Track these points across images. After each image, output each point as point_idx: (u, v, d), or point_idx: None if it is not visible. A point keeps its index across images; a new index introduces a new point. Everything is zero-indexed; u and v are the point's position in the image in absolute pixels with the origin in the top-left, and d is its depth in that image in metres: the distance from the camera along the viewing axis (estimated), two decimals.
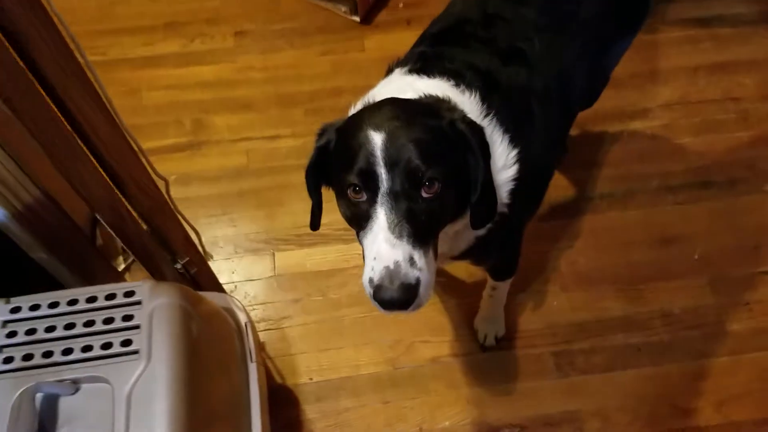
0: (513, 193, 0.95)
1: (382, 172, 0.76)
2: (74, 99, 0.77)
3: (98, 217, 1.03)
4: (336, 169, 0.82)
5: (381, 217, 0.75)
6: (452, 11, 1.09)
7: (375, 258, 0.74)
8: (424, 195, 0.77)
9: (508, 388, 1.38)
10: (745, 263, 1.55)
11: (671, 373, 1.40)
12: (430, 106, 0.85)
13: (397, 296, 0.72)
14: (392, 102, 0.85)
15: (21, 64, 0.71)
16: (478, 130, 0.83)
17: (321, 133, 0.86)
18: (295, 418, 1.35)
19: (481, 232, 0.97)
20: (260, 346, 1.31)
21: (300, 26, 2.08)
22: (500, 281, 1.28)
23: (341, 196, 0.82)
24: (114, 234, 1.02)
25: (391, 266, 0.72)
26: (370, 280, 0.74)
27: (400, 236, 0.74)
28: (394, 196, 0.76)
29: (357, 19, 2.06)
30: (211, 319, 1.03)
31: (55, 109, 0.79)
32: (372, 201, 0.77)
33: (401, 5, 2.10)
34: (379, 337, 1.46)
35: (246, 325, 1.17)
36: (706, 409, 1.36)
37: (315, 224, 0.95)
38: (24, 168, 0.99)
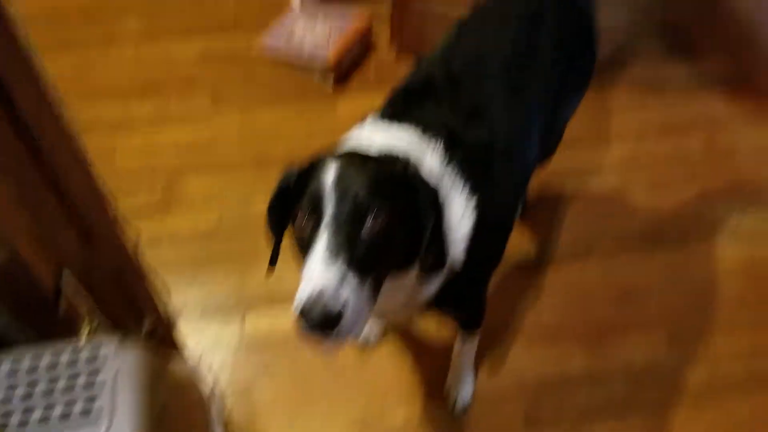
0: (470, 244, 0.93)
1: (330, 200, 0.75)
2: (53, 149, 0.71)
3: (64, 276, 0.95)
4: (293, 202, 0.81)
5: (322, 239, 0.73)
6: (420, 71, 1.11)
7: (307, 279, 0.71)
8: (368, 227, 0.75)
9: None
10: (699, 315, 1.55)
11: (635, 426, 1.37)
12: (386, 157, 0.85)
13: (318, 320, 0.68)
14: (352, 152, 0.85)
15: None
16: (426, 184, 0.84)
17: (283, 176, 0.85)
18: None
19: (439, 282, 0.94)
20: (226, 416, 1.22)
21: (276, 91, 2.06)
22: (468, 332, 1.25)
23: (295, 227, 0.81)
24: (83, 291, 0.94)
25: (319, 287, 0.69)
26: (299, 305, 0.70)
27: (336, 258, 0.71)
28: (338, 223, 0.74)
29: (330, 84, 2.04)
30: (176, 384, 0.96)
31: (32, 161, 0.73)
32: (317, 227, 0.74)
33: (372, 72, 2.09)
34: (349, 402, 1.41)
35: (211, 394, 1.09)
36: None
37: (273, 260, 0.93)
38: None
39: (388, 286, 0.85)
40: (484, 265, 1.09)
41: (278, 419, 1.36)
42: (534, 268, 1.61)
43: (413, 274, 0.89)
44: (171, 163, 1.84)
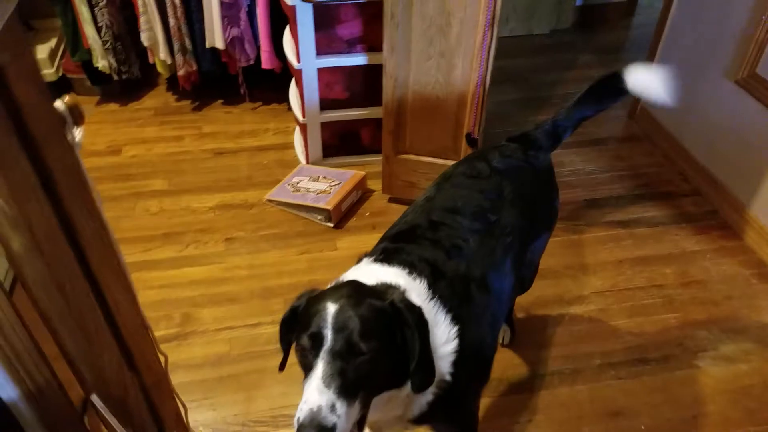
0: (455, 364, 1.10)
1: (328, 334, 0.93)
2: (109, 285, 0.92)
3: (95, 398, 1.12)
4: (299, 326, 0.99)
5: (319, 368, 0.90)
6: (405, 219, 1.34)
7: (305, 401, 0.88)
8: (358, 362, 0.92)
9: None
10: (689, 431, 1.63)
11: None
12: (379, 290, 1.04)
13: None
14: (351, 284, 1.06)
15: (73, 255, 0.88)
16: (414, 309, 1.01)
17: (298, 298, 1.05)
18: None
19: (429, 398, 1.08)
20: None
21: (282, 232, 2.34)
22: None
23: (298, 347, 0.97)
24: (113, 412, 1.10)
25: (315, 409, 0.86)
26: (297, 419, 0.88)
27: (328, 386, 0.88)
28: (332, 355, 0.91)
29: (331, 225, 2.34)
30: None
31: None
32: (316, 355, 0.92)
33: (367, 214, 2.42)
34: None
35: None
36: None
37: (282, 366, 1.12)
38: (39, 348, 1.11)
39: (382, 400, 1.02)
40: (470, 382, 1.23)
41: None
42: (526, 387, 1.75)
43: (405, 391, 1.05)
44: (187, 296, 2.06)
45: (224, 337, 1.94)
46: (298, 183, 2.52)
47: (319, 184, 2.49)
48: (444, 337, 1.08)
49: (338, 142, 2.65)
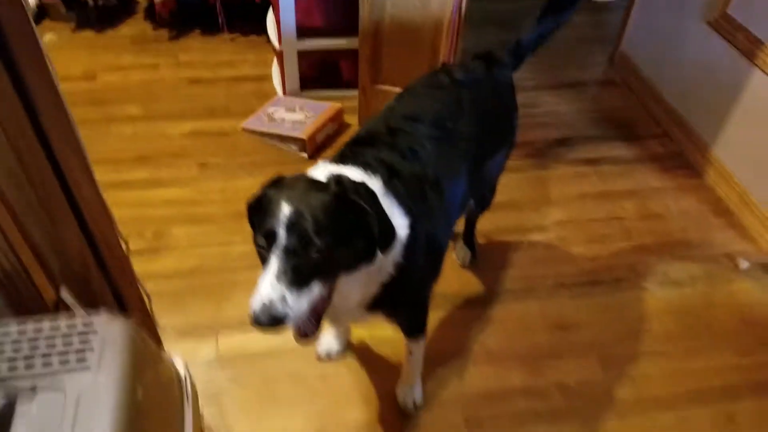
0: (407, 248, 1.23)
1: (280, 232, 1.03)
2: (66, 160, 1.03)
3: (65, 293, 1.25)
4: (258, 219, 1.10)
5: (272, 264, 1.02)
6: (365, 128, 1.46)
7: (258, 293, 1.01)
8: (311, 255, 1.03)
9: None
10: (629, 345, 1.83)
11: None
12: (331, 182, 1.12)
13: (266, 323, 0.99)
14: (303, 180, 1.14)
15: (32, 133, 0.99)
16: (357, 186, 1.11)
17: (262, 187, 1.15)
18: None
19: (384, 278, 1.21)
20: (197, 406, 1.44)
21: (257, 160, 2.46)
22: (413, 341, 1.51)
23: (255, 240, 1.09)
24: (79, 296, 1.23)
25: (266, 302, 0.99)
26: (251, 310, 1.01)
27: (280, 280, 1.00)
28: (284, 251, 1.03)
29: (305, 155, 2.45)
30: (154, 356, 1.21)
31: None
32: (270, 252, 1.03)
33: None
34: (310, 407, 1.65)
35: (185, 377, 1.33)
36: None
37: None
38: (7, 235, 1.23)
39: (344, 281, 1.14)
40: (423, 271, 1.38)
41: (244, 421, 1.61)
42: (482, 303, 1.90)
43: (364, 271, 1.16)
44: (160, 214, 2.19)
45: (196, 253, 2.07)
46: (274, 113, 2.62)
47: (296, 114, 2.59)
48: (397, 222, 1.20)
49: (317, 74, 2.74)
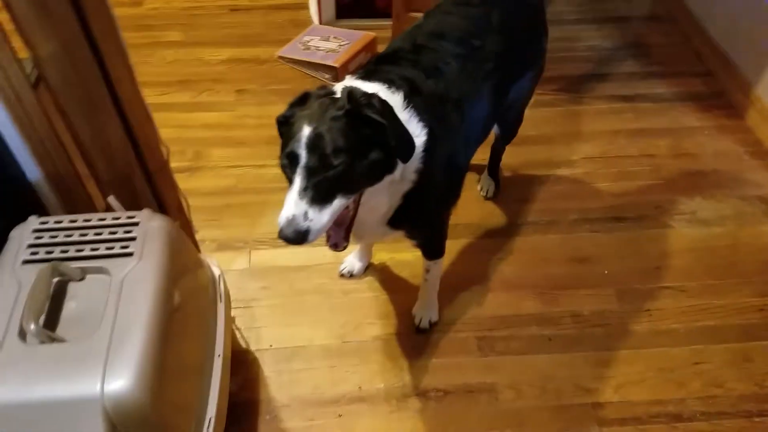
0: (425, 159, 1.26)
1: (302, 153, 1.10)
2: (113, 60, 1.14)
3: (112, 199, 1.38)
4: (284, 134, 1.18)
5: (296, 182, 1.10)
6: (391, 45, 1.49)
7: (284, 211, 1.09)
8: (330, 173, 1.10)
9: (437, 362, 1.65)
10: (647, 279, 1.86)
11: (577, 361, 1.67)
12: (344, 99, 1.15)
13: (291, 237, 1.08)
14: (326, 98, 1.18)
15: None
16: (370, 98, 1.14)
17: (290, 105, 1.22)
18: (253, 375, 1.61)
19: (407, 186, 1.28)
20: (229, 306, 1.58)
21: (292, 88, 2.53)
22: (431, 261, 1.58)
23: (280, 159, 1.17)
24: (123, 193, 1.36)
25: (290, 217, 1.08)
26: (279, 224, 1.09)
27: (302, 198, 1.08)
28: (306, 170, 1.09)
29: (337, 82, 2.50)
30: (190, 251, 1.34)
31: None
32: (294, 171, 1.11)
33: None
34: (332, 318, 1.75)
35: (219, 277, 1.47)
36: (606, 390, 1.61)
37: None
38: (62, 140, 1.35)
39: (368, 195, 1.22)
40: (441, 188, 1.43)
41: (273, 326, 1.73)
42: (503, 233, 1.98)
43: (386, 183, 1.22)
44: (199, 137, 2.30)
45: (232, 173, 2.19)
46: (309, 41, 2.67)
47: (329, 43, 2.64)
48: (415, 133, 1.23)
49: (352, 3, 2.76)
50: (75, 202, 1.54)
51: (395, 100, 1.26)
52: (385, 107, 1.16)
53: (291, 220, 1.08)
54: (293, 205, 1.09)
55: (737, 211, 2.07)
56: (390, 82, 1.29)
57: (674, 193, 2.12)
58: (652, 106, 2.46)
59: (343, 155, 1.10)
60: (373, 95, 1.16)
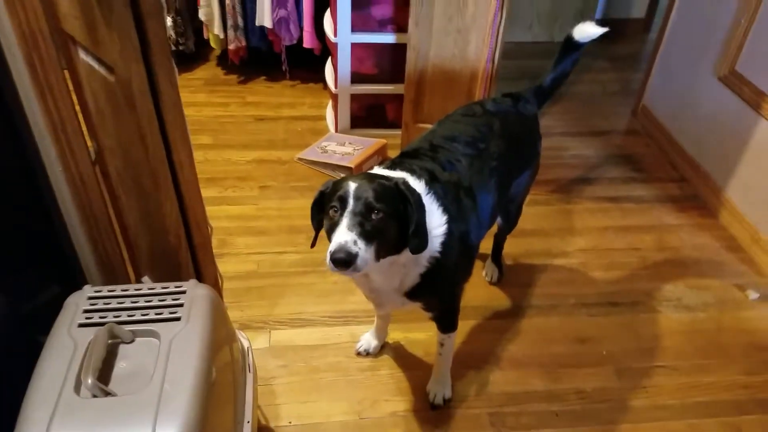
0: (444, 245, 1.37)
1: (350, 200, 1.22)
2: (177, 144, 1.24)
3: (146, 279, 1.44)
4: (326, 202, 1.26)
5: (344, 221, 1.19)
6: (410, 145, 1.63)
7: (335, 240, 1.17)
8: (372, 218, 1.21)
9: None
10: (642, 359, 1.89)
11: None
12: (387, 177, 1.32)
13: (342, 258, 1.14)
14: (365, 173, 1.33)
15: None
16: (414, 191, 1.30)
17: (324, 185, 1.32)
18: None
19: (422, 269, 1.36)
20: (256, 375, 1.58)
21: (309, 185, 2.66)
22: (445, 334, 1.62)
23: (326, 217, 1.26)
24: (168, 262, 1.42)
25: (342, 242, 1.16)
26: (330, 252, 1.16)
27: (351, 231, 1.18)
28: (353, 214, 1.20)
29: None
30: (227, 319, 1.37)
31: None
32: (341, 215, 1.21)
33: None
34: (349, 395, 1.75)
35: (248, 348, 1.49)
36: None
37: (313, 243, 1.39)
38: (111, 221, 1.44)
39: (385, 266, 1.31)
40: (456, 267, 1.51)
41: (292, 403, 1.72)
42: (509, 315, 2.02)
43: (405, 257, 1.34)
44: (224, 227, 2.38)
45: (254, 259, 2.25)
46: (326, 146, 2.84)
47: (345, 148, 2.80)
48: (436, 222, 1.36)
49: (365, 114, 2.96)
50: (116, 280, 1.60)
51: (419, 185, 1.37)
52: (417, 196, 1.29)
53: (343, 245, 1.15)
54: (344, 233, 1.17)
55: (718, 298, 2.14)
56: (413, 171, 1.42)
57: (661, 281, 2.20)
58: (635, 206, 2.59)
59: (382, 210, 1.21)
60: (408, 183, 1.29)
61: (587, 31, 1.78)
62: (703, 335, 1.99)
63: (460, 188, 1.48)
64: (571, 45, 1.82)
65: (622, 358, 1.89)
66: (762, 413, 1.74)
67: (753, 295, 2.14)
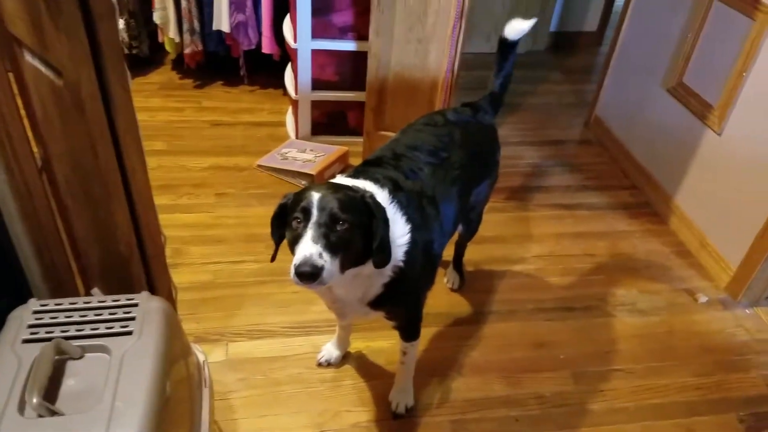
0: (407, 254, 1.36)
1: (314, 211, 1.18)
2: (129, 151, 1.19)
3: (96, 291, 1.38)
4: (289, 214, 1.23)
5: (308, 233, 1.16)
6: (374, 154, 1.62)
7: (299, 252, 1.14)
8: (338, 229, 1.18)
9: None
10: (599, 363, 1.93)
11: None
12: (353, 188, 1.30)
13: (308, 271, 1.11)
14: (329, 183, 1.30)
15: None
16: (380, 205, 1.28)
17: (284, 196, 1.28)
18: None
19: (386, 279, 1.35)
20: (212, 391, 1.53)
21: (269, 192, 2.61)
22: (408, 343, 1.60)
23: (289, 229, 1.22)
24: (119, 273, 1.36)
25: (307, 255, 1.12)
26: (294, 266, 1.12)
27: (316, 243, 1.14)
28: (318, 225, 1.17)
29: None
30: (182, 332, 1.32)
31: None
32: (305, 226, 1.17)
33: None
34: (310, 407, 1.71)
35: (203, 362, 1.44)
36: None
37: (273, 257, 1.34)
38: (59, 231, 1.37)
39: (349, 277, 1.28)
40: (419, 276, 1.50)
41: (251, 417, 1.67)
42: (469, 321, 2.02)
43: (369, 269, 1.31)
44: (179, 235, 2.31)
45: (210, 269, 2.18)
46: (287, 153, 2.80)
47: (306, 154, 2.77)
48: (399, 231, 1.34)
49: (327, 121, 2.94)
50: (64, 292, 1.52)
51: (382, 194, 1.35)
52: (383, 211, 1.27)
53: (308, 258, 1.12)
54: (309, 245, 1.14)
55: (669, 302, 2.20)
56: (376, 180, 1.41)
57: (615, 286, 2.25)
58: (589, 213, 2.65)
59: (347, 220, 1.18)
60: (372, 195, 1.27)
61: (517, 27, 1.81)
62: (656, 338, 2.04)
63: (423, 197, 1.47)
64: (506, 45, 1.85)
65: (579, 362, 1.92)
66: (713, 414, 1.79)
67: (702, 298, 2.21)
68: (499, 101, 1.90)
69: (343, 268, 1.21)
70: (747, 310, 2.18)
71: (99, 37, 1.05)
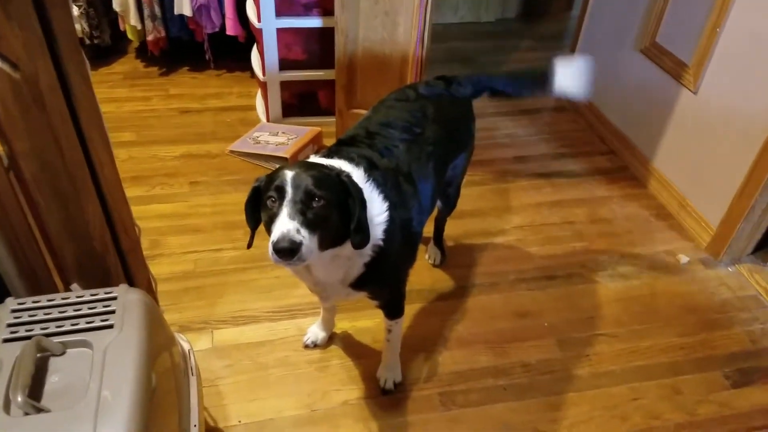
0: (386, 232, 1.38)
1: (289, 189, 1.19)
2: (95, 143, 1.19)
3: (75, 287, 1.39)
4: (263, 195, 1.24)
5: (284, 210, 1.17)
6: (347, 133, 1.63)
7: (276, 228, 1.14)
8: (314, 205, 1.19)
9: (404, 421, 1.67)
10: (583, 329, 1.99)
11: (531, 406, 1.74)
12: (327, 166, 1.31)
13: (286, 247, 1.11)
14: (303, 161, 1.31)
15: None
16: (356, 184, 1.29)
17: (256, 180, 1.29)
18: None
19: (366, 259, 1.37)
20: (199, 378, 1.55)
21: (243, 178, 2.61)
22: (392, 321, 1.64)
23: (264, 209, 1.23)
24: (95, 268, 1.37)
25: (284, 231, 1.13)
26: (272, 243, 1.13)
27: (293, 219, 1.15)
28: (294, 202, 1.18)
29: None
30: (164, 323, 1.34)
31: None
32: (281, 205, 1.18)
33: None
34: (299, 389, 1.75)
35: (189, 351, 1.46)
36: (561, 431, 1.67)
37: (250, 244, 1.35)
38: (31, 228, 1.37)
39: (328, 258, 1.30)
40: (400, 254, 1.53)
41: (240, 402, 1.70)
42: (453, 295, 2.07)
43: (348, 250, 1.33)
44: (155, 227, 2.31)
45: (189, 259, 2.20)
46: (258, 137, 2.79)
47: (278, 137, 2.77)
48: (377, 210, 1.36)
49: (297, 102, 2.93)
50: (43, 290, 1.52)
51: (357, 173, 1.37)
52: (360, 191, 1.28)
53: (285, 234, 1.12)
54: (286, 221, 1.14)
55: (651, 265, 2.27)
56: (351, 159, 1.42)
57: (595, 253, 2.31)
58: (567, 181, 2.70)
59: (323, 197, 1.19)
60: (352, 178, 1.28)
61: (566, 85, 1.82)
62: (638, 301, 2.10)
63: (399, 174, 1.49)
64: (542, 82, 1.85)
65: (563, 329, 1.98)
66: (697, 372, 1.87)
67: (683, 259, 2.28)
68: (481, 89, 1.87)
69: (322, 246, 1.22)
70: (729, 268, 2.25)
71: (53, 26, 1.04)
